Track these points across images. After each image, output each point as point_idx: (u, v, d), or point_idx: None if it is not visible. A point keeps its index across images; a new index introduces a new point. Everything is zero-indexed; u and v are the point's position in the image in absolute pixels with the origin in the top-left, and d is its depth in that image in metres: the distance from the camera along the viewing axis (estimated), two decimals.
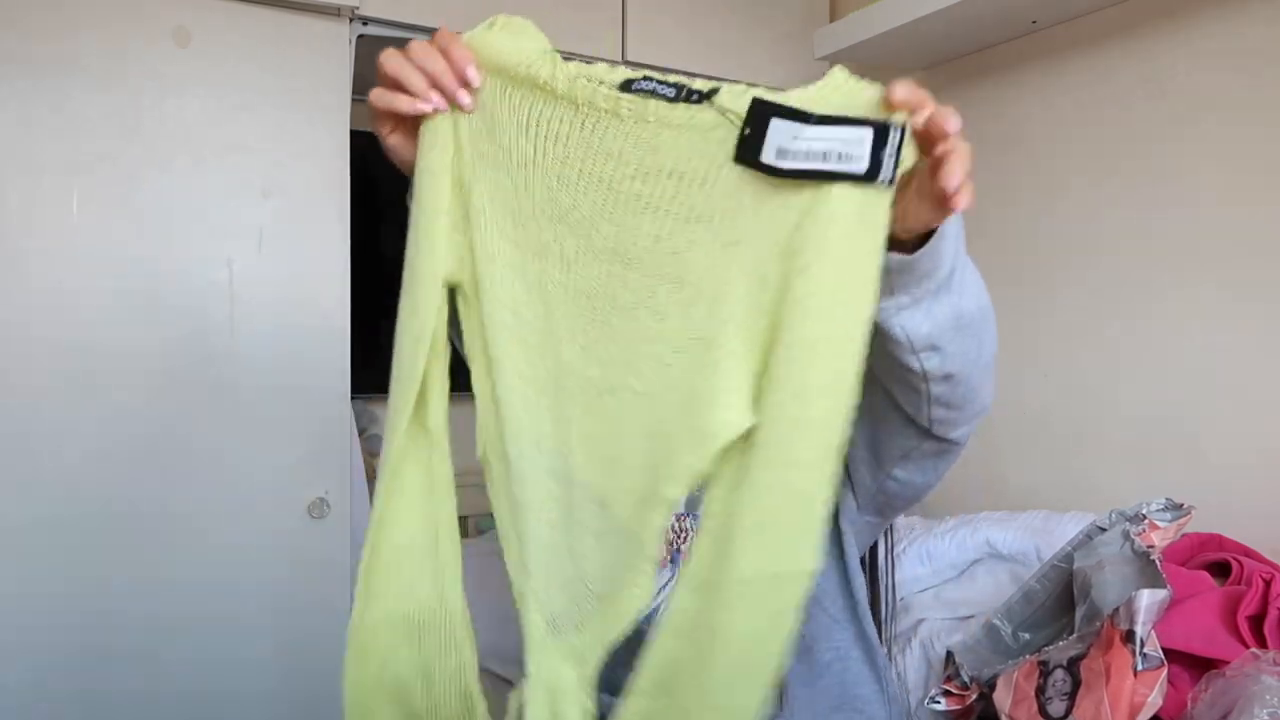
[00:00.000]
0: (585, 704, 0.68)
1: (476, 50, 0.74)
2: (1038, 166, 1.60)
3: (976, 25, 1.57)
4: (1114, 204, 1.49)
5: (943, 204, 0.62)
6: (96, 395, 1.37)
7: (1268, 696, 0.82)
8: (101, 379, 1.37)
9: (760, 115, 0.62)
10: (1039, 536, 1.33)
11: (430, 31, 1.61)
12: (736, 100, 0.64)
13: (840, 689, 1.03)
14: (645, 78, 0.67)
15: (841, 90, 0.63)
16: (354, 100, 1.53)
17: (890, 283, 0.68)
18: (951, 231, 0.68)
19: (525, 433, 0.70)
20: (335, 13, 1.50)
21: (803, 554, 0.62)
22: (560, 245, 0.70)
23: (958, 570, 1.39)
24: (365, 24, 1.55)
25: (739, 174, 0.63)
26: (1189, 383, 1.38)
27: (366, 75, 1.64)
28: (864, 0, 1.63)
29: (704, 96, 0.65)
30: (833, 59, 1.79)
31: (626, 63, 1.77)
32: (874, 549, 1.07)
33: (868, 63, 1.85)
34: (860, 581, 1.00)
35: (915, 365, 0.74)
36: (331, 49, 1.51)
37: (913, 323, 0.71)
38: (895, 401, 0.83)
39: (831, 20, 1.94)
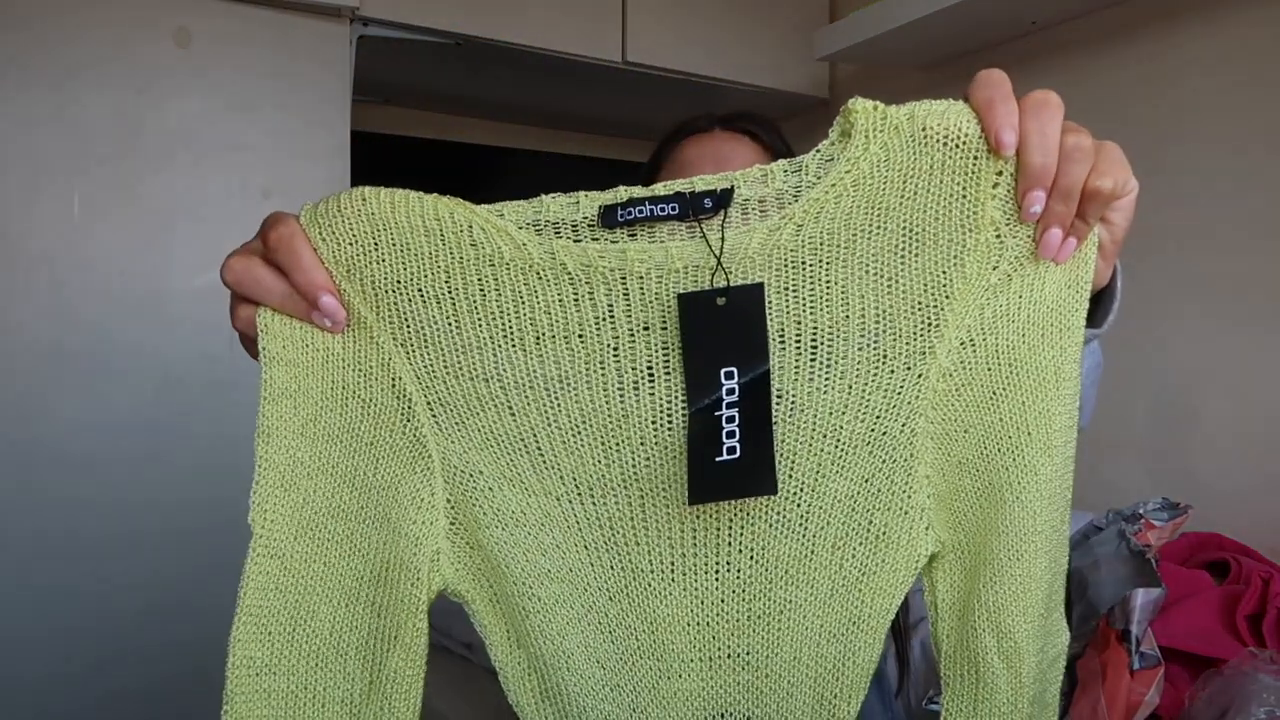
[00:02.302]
0: None
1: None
2: None
3: (976, 25, 1.56)
4: None
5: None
6: (97, 395, 1.37)
7: (1265, 695, 0.82)
8: (102, 379, 1.38)
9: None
10: None
11: (430, 31, 1.62)
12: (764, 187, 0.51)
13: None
14: (630, 201, 0.50)
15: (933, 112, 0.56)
16: (354, 100, 1.54)
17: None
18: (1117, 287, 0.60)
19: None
20: (335, 13, 1.51)
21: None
22: (624, 473, 0.53)
23: None
24: (365, 24, 1.55)
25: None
26: (1188, 382, 1.38)
27: (367, 76, 1.66)
28: (864, 0, 1.63)
29: (723, 197, 0.50)
30: (833, 59, 1.79)
31: (627, 63, 1.78)
32: None
33: (868, 63, 1.85)
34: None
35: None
36: (331, 49, 1.51)
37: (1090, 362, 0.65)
38: None
39: (831, 20, 1.94)
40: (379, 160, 1.77)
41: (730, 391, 0.49)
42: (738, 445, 0.49)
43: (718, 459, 0.49)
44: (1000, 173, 0.53)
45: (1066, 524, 0.58)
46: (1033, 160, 0.54)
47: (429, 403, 0.52)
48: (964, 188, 0.53)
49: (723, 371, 0.49)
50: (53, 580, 1.35)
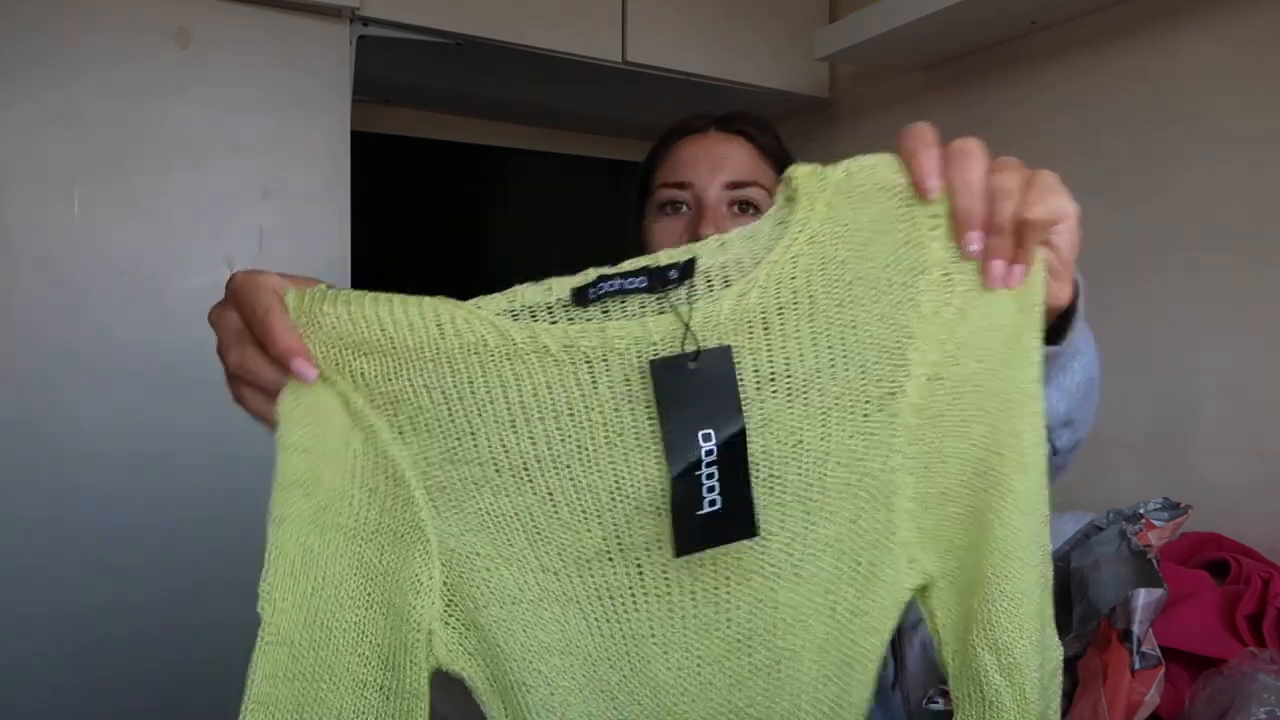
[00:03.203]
0: None
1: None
2: (1036, 166, 1.60)
3: (976, 25, 1.56)
4: (1113, 204, 1.49)
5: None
6: (97, 395, 1.37)
7: (1265, 695, 0.82)
8: (102, 379, 1.38)
9: None
10: None
11: (430, 31, 1.62)
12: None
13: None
14: (600, 279, 0.52)
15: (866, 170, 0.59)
16: (354, 101, 1.54)
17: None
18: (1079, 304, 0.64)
19: None
20: (335, 13, 1.51)
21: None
22: (620, 541, 0.54)
23: None
24: (365, 24, 1.55)
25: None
26: (1188, 382, 1.38)
27: (367, 76, 1.66)
28: (864, 0, 1.63)
29: (687, 268, 0.52)
30: (833, 59, 1.79)
31: (627, 63, 1.78)
32: None
33: (868, 63, 1.85)
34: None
35: (1050, 442, 0.65)
36: (332, 49, 1.51)
37: (1049, 404, 0.63)
38: None
39: (831, 20, 1.94)
40: (379, 160, 1.77)
41: (709, 452, 0.51)
42: (718, 498, 0.51)
43: (699, 512, 0.51)
44: (936, 215, 0.56)
45: (1047, 537, 0.60)
46: (960, 205, 0.57)
47: (426, 488, 0.53)
48: (907, 234, 0.55)
49: (700, 434, 0.51)
50: (54, 577, 1.35)
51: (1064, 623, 1.04)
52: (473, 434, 0.52)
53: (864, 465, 0.56)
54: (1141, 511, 1.04)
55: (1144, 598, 0.90)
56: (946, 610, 0.59)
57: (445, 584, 0.53)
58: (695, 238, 0.87)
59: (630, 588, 0.55)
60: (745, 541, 0.53)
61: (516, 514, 0.53)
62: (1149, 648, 0.88)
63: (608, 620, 0.56)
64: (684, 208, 0.99)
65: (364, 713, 0.53)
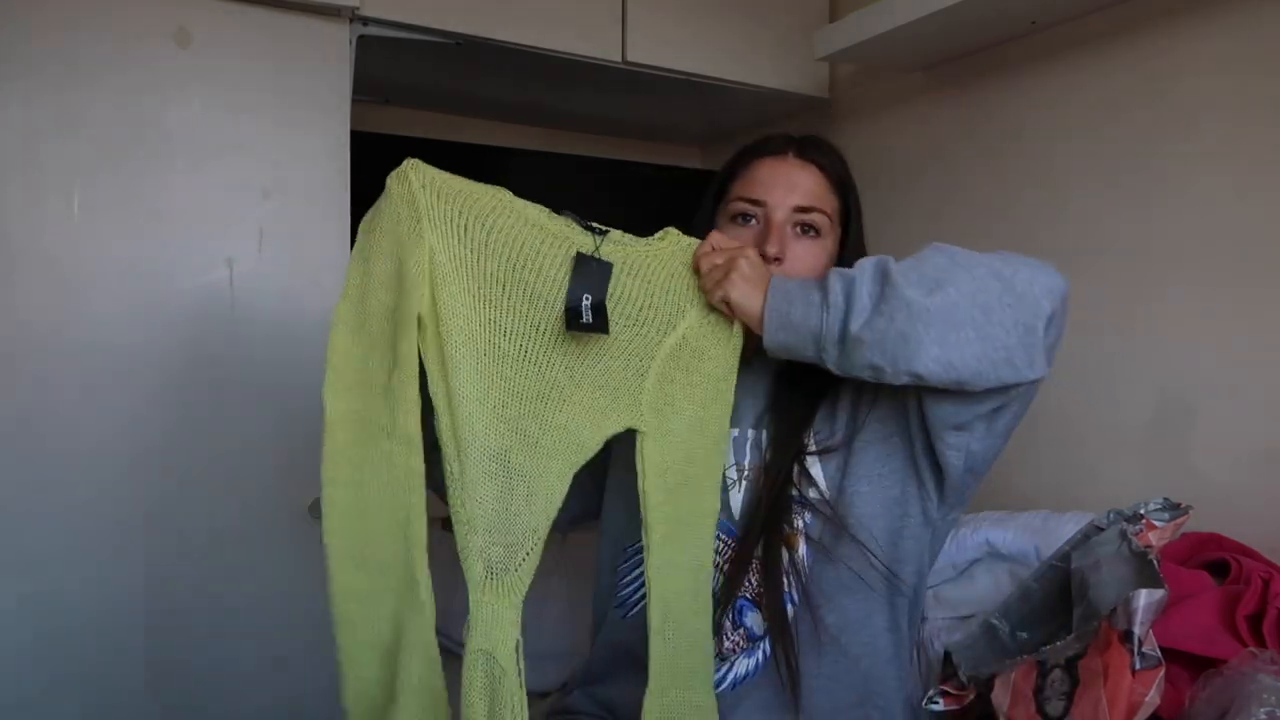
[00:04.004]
0: (516, 632, 0.87)
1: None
2: (1037, 166, 1.60)
3: (976, 25, 1.57)
4: (1114, 204, 1.49)
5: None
6: (97, 395, 1.37)
7: (1265, 695, 0.82)
8: (102, 379, 1.38)
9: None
10: (1038, 536, 1.33)
11: (430, 31, 1.62)
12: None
13: (865, 684, 1.04)
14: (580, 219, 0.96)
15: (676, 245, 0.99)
16: (354, 100, 1.54)
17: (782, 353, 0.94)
18: (776, 324, 0.92)
19: (478, 435, 0.88)
20: (335, 13, 1.51)
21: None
22: (539, 326, 0.94)
23: (957, 570, 1.39)
24: (365, 24, 1.56)
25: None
26: (1189, 382, 1.38)
27: (367, 76, 1.66)
28: (864, 0, 1.63)
29: (605, 232, 0.97)
30: (833, 59, 1.79)
31: (627, 63, 1.78)
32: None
33: (868, 63, 1.85)
34: (913, 569, 1.04)
35: (892, 383, 0.92)
36: (331, 49, 1.51)
37: (833, 364, 0.92)
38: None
39: (831, 20, 1.94)
40: (379, 160, 1.76)
41: (587, 300, 0.91)
42: (591, 318, 0.91)
43: (580, 320, 0.90)
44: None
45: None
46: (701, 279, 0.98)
47: (448, 271, 0.89)
48: (684, 280, 0.99)
49: (585, 292, 0.92)
50: (51, 576, 1.35)
51: (1064, 623, 1.04)
52: (488, 252, 0.90)
53: (625, 370, 0.96)
54: (1142, 512, 1.04)
55: (1145, 598, 0.89)
56: (645, 462, 0.95)
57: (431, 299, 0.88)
58: (760, 251, 1.05)
59: (537, 347, 0.92)
60: (591, 338, 0.93)
61: (489, 299, 0.90)
62: (1150, 648, 0.88)
63: (521, 360, 0.91)
64: (754, 221, 1.11)
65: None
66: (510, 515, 0.88)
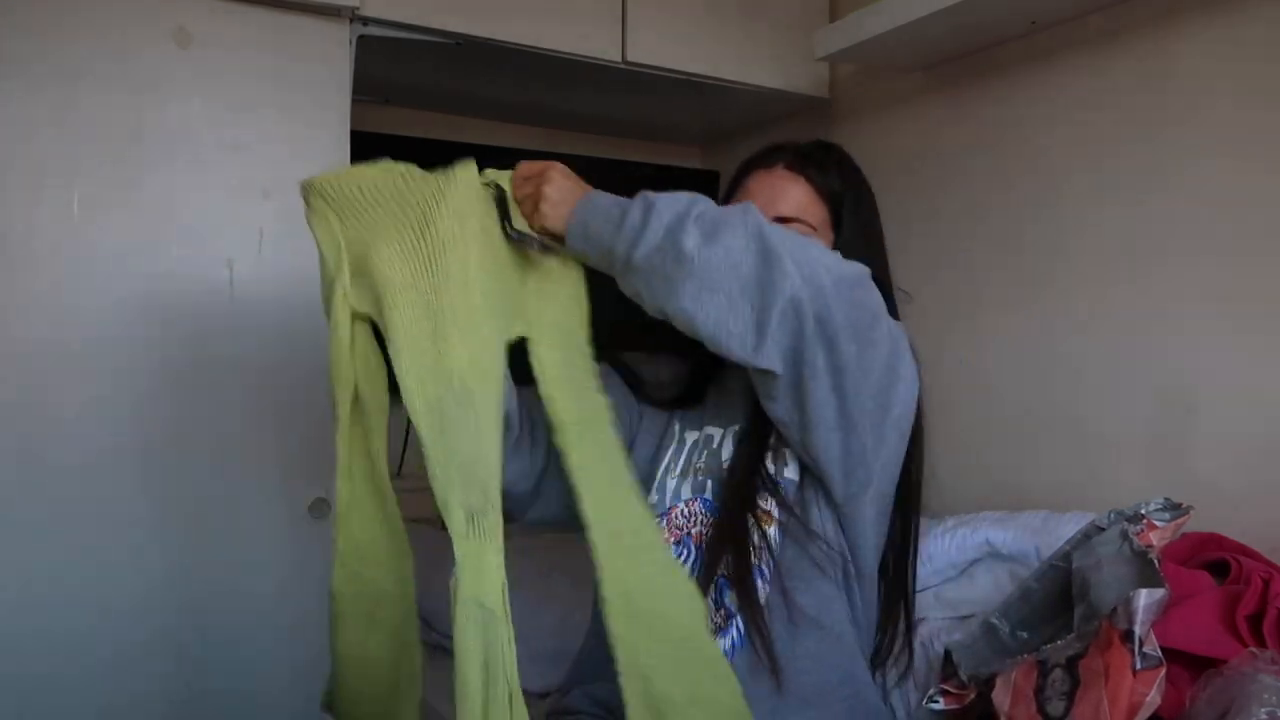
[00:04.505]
0: (502, 576, 0.89)
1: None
2: (1037, 165, 1.60)
3: (976, 25, 1.56)
4: (1113, 203, 1.49)
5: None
6: (97, 395, 1.37)
7: (1265, 695, 0.82)
8: (102, 379, 1.38)
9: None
10: (1038, 536, 1.33)
11: (430, 31, 1.62)
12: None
13: (851, 663, 1.05)
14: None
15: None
16: (354, 100, 1.54)
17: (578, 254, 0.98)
18: (577, 233, 0.95)
19: (412, 392, 0.90)
20: (335, 13, 1.51)
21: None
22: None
23: (957, 570, 1.39)
24: (365, 24, 1.55)
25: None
26: (1189, 382, 1.38)
27: (367, 76, 1.66)
28: (864, 0, 1.63)
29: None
30: (833, 59, 1.79)
31: (627, 63, 1.78)
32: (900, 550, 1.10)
33: (868, 63, 1.85)
34: (863, 555, 1.05)
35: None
36: (331, 49, 1.51)
37: (625, 287, 0.96)
38: None
39: (831, 20, 1.94)
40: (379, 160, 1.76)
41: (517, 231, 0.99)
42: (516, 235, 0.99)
43: (512, 237, 0.99)
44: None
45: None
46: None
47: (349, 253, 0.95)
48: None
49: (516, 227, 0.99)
50: (51, 576, 1.35)
51: (1065, 623, 1.05)
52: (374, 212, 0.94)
53: (505, 289, 0.98)
54: (1143, 512, 1.04)
55: (1145, 598, 0.90)
56: (541, 366, 0.99)
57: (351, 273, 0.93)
58: None
59: (430, 287, 0.91)
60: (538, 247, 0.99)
61: (389, 258, 0.91)
62: (1150, 648, 0.88)
63: (422, 308, 0.91)
64: None
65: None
66: (472, 457, 0.90)
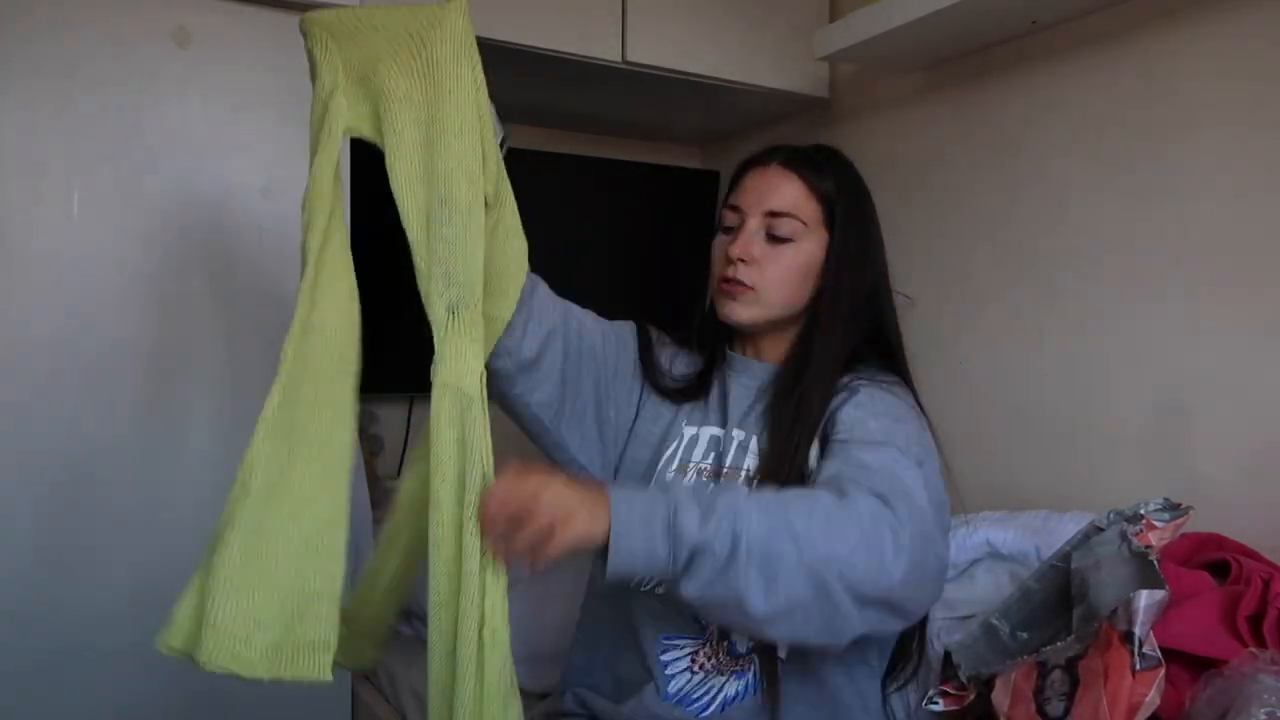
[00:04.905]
0: (480, 365, 0.93)
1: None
2: (1037, 166, 1.60)
3: (976, 25, 1.56)
4: (1114, 204, 1.49)
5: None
6: (96, 394, 1.37)
7: (1266, 696, 0.82)
8: (101, 378, 1.38)
9: None
10: (1038, 536, 1.33)
11: None
12: None
13: (834, 706, 1.04)
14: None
15: None
16: None
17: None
18: (630, 564, 0.82)
19: (404, 199, 0.95)
20: None
21: None
22: None
23: (957, 570, 1.39)
24: None
25: None
26: (1189, 382, 1.38)
27: None
28: (864, 0, 1.63)
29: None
30: (833, 59, 1.79)
31: (627, 63, 1.78)
32: None
33: (868, 63, 1.85)
34: None
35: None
36: None
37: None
38: None
39: (831, 20, 1.94)
40: (379, 160, 1.76)
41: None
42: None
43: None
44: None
45: None
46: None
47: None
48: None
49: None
50: (50, 577, 1.35)
51: (1065, 623, 1.04)
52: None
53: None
54: (1142, 512, 1.04)
55: (1145, 599, 0.90)
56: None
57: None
58: (725, 255, 1.10)
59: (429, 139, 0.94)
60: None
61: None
62: (1150, 649, 0.88)
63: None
64: (733, 229, 1.14)
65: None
66: (453, 257, 0.93)
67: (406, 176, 0.93)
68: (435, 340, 0.92)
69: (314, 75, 0.96)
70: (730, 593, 0.82)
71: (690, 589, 0.82)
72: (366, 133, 0.94)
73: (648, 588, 0.96)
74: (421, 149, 0.93)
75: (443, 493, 0.87)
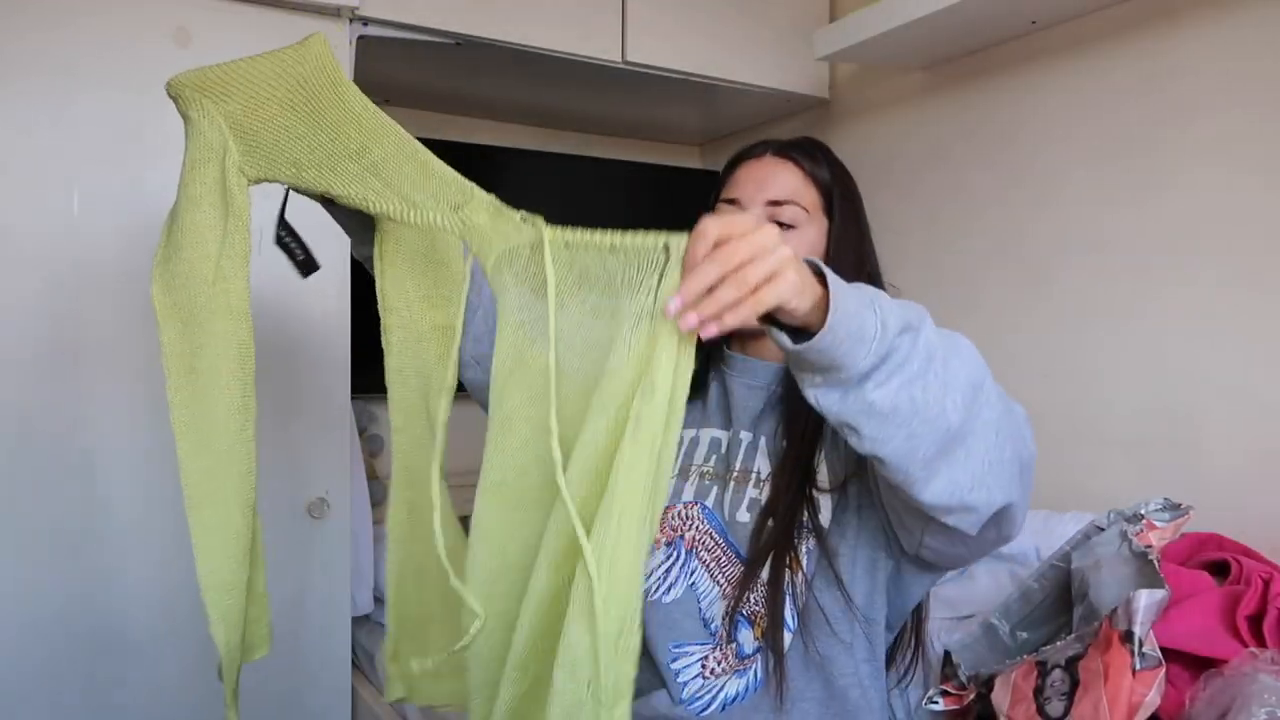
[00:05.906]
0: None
1: None
2: (1037, 165, 1.60)
3: (976, 25, 1.57)
4: (1112, 203, 1.49)
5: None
6: (96, 394, 1.37)
7: (1265, 695, 0.82)
8: (101, 378, 1.38)
9: None
10: (1038, 536, 1.33)
11: (430, 31, 1.62)
12: None
13: (843, 710, 1.04)
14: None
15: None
16: None
17: (797, 361, 0.73)
18: (845, 333, 0.69)
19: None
20: (335, 13, 1.51)
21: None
22: None
23: (957, 570, 1.39)
24: (365, 24, 1.55)
25: None
26: (1188, 382, 1.38)
27: (367, 76, 1.65)
28: (864, 0, 1.63)
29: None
30: (833, 59, 1.79)
31: (627, 63, 1.78)
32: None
33: (868, 63, 1.86)
34: (890, 609, 1.02)
35: (845, 437, 0.76)
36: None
37: (825, 399, 0.73)
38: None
39: (831, 20, 1.94)
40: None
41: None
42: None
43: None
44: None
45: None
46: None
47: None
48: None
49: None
50: (49, 574, 1.35)
51: (1065, 623, 1.04)
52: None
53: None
54: (1142, 512, 1.04)
55: (1145, 598, 0.90)
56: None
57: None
58: None
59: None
60: None
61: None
62: (1150, 648, 0.88)
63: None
64: None
65: (212, 226, 1.00)
66: (399, 177, 0.94)
67: (345, 182, 0.95)
68: (447, 229, 0.91)
69: (190, 136, 0.95)
70: (932, 391, 0.75)
71: (893, 378, 0.73)
72: (273, 175, 0.97)
73: (820, 384, 0.77)
74: (352, 161, 0.94)
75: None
